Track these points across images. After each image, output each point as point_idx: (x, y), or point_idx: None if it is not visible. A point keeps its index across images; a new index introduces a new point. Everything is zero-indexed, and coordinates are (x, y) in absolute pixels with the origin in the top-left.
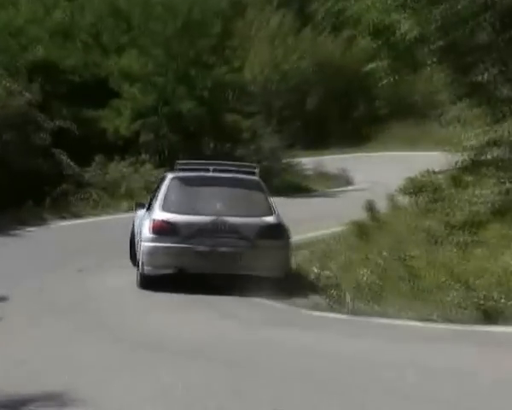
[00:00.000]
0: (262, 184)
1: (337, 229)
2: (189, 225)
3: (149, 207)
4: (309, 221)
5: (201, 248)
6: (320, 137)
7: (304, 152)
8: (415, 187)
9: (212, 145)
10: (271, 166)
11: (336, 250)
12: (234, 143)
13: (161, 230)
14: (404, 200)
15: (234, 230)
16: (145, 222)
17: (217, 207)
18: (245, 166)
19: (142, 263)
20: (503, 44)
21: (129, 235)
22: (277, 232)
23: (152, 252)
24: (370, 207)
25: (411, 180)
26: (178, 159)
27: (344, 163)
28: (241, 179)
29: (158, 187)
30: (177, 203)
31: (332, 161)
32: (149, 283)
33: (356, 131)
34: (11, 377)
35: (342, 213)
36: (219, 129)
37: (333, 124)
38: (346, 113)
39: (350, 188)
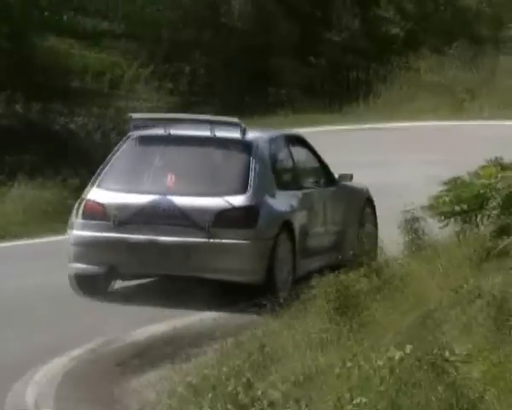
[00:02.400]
0: (254, 144)
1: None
2: (123, 207)
3: None
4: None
5: (136, 238)
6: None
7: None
8: (462, 199)
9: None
10: None
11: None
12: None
13: (92, 213)
14: (435, 226)
15: (183, 214)
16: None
17: (166, 183)
18: (229, 123)
19: (69, 259)
20: None
21: None
22: (247, 218)
23: (79, 243)
24: (363, 250)
25: (454, 185)
26: None
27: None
28: (220, 140)
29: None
30: (122, 177)
31: None
32: (84, 286)
33: (312, 87)
34: None
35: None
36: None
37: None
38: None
39: None
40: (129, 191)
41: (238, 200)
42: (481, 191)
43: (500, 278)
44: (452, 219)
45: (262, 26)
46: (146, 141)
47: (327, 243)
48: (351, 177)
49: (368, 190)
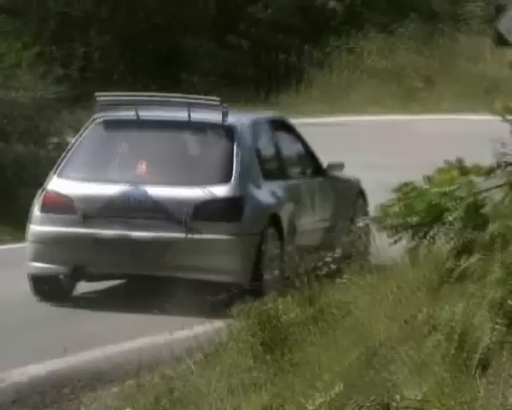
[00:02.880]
0: (236, 129)
1: (214, 325)
2: (89, 198)
3: None
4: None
5: (104, 233)
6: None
7: None
8: (415, 209)
9: None
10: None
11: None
12: None
13: (53, 206)
14: (383, 242)
15: (158, 206)
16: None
17: (137, 171)
18: (207, 101)
19: (28, 257)
20: None
21: None
22: (230, 210)
23: (40, 240)
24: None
25: (405, 192)
26: None
27: None
28: (198, 123)
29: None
30: (87, 165)
31: None
32: (45, 289)
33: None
34: None
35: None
36: None
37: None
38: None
39: None
40: (95, 181)
41: (220, 190)
42: (437, 201)
43: (461, 307)
44: (404, 234)
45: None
46: (114, 125)
47: (316, 239)
48: (341, 166)
49: (359, 182)
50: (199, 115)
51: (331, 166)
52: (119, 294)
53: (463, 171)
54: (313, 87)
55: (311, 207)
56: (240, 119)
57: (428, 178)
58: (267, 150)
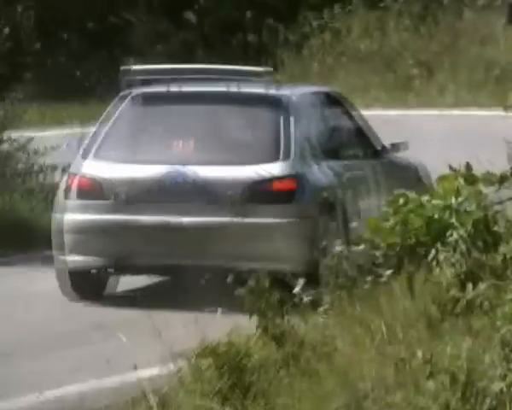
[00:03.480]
0: (286, 102)
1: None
2: (129, 182)
3: None
4: None
5: (147, 220)
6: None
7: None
8: (411, 227)
9: None
10: None
11: None
12: None
13: (88, 192)
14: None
15: (206, 188)
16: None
17: (181, 150)
18: (251, 73)
19: (63, 250)
20: None
21: None
22: (286, 192)
23: (75, 230)
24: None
25: (399, 205)
26: None
27: None
28: (243, 96)
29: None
30: (122, 145)
31: None
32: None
33: None
34: None
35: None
36: None
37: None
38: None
39: None
40: (136, 162)
41: (274, 169)
42: (439, 215)
43: (467, 345)
44: (399, 256)
45: None
46: (149, 100)
47: None
48: (406, 146)
49: (417, 169)
50: (245, 87)
51: (394, 147)
52: None
53: (470, 179)
54: (289, 74)
55: (367, 191)
56: (293, 91)
57: (428, 189)
58: (322, 126)
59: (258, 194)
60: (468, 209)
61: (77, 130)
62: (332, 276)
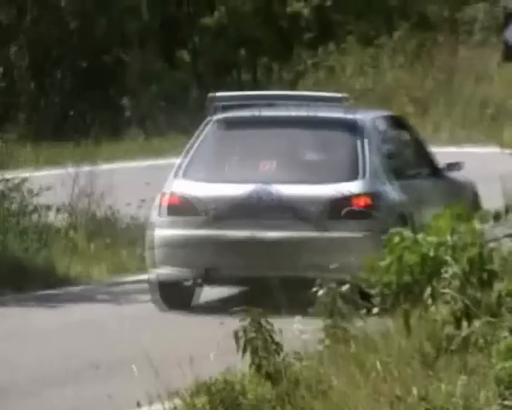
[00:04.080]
0: (360, 124)
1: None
2: (217, 200)
3: None
4: None
5: (236, 235)
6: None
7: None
8: (405, 265)
9: None
10: None
11: None
12: None
13: (180, 208)
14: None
15: (290, 205)
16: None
17: (265, 170)
18: (325, 99)
19: (155, 263)
20: None
21: None
22: (364, 208)
23: (166, 244)
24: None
25: (393, 244)
26: None
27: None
28: (320, 120)
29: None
30: (208, 165)
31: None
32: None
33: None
34: None
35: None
36: None
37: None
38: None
39: None
40: (221, 181)
41: (353, 187)
42: (434, 253)
43: (462, 383)
44: (394, 294)
45: (101, 6)
46: (233, 124)
47: None
48: (460, 166)
49: (474, 186)
50: (322, 112)
51: (449, 166)
52: None
53: (465, 216)
54: None
55: (432, 207)
56: (365, 115)
57: (422, 227)
58: (391, 147)
59: (338, 210)
60: (463, 246)
61: (71, 170)
62: (326, 313)
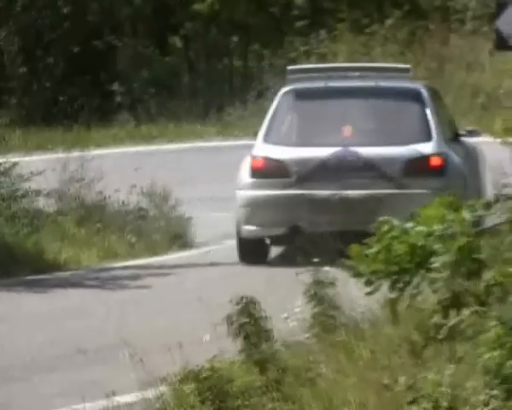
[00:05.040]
0: (422, 93)
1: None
2: (302, 161)
3: None
4: None
5: (322, 194)
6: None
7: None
8: (393, 254)
9: None
10: None
11: None
12: None
13: (264, 171)
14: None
15: (369, 165)
16: (243, 162)
17: (344, 134)
18: (391, 69)
19: (239, 222)
20: None
21: None
22: (437, 167)
23: (252, 204)
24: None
25: (381, 233)
26: None
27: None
28: (385, 89)
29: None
30: (286, 130)
31: (116, 159)
32: (251, 251)
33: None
34: None
35: None
36: None
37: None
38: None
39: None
40: (304, 145)
41: (426, 148)
42: (422, 242)
43: (449, 372)
44: (382, 283)
45: None
46: (310, 94)
47: None
48: (479, 132)
49: (481, 150)
50: (386, 82)
51: (469, 132)
52: None
53: (454, 206)
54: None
55: (472, 168)
56: (418, 85)
57: (412, 215)
58: (441, 115)
59: (414, 169)
60: (452, 236)
61: (61, 155)
62: (314, 303)
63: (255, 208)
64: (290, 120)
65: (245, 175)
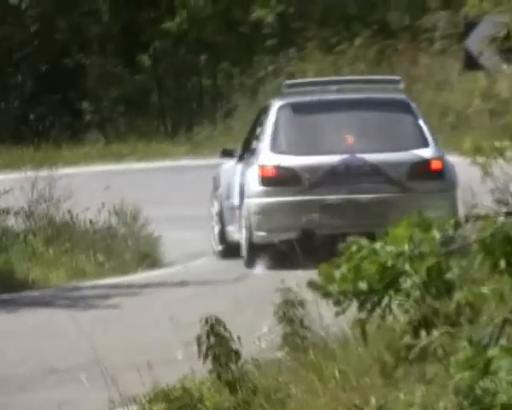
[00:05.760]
0: (410, 103)
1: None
2: (312, 168)
3: (246, 154)
4: None
5: (334, 198)
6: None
7: None
8: (363, 274)
9: None
10: None
11: None
12: None
13: (275, 179)
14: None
15: (376, 170)
16: (248, 172)
17: (348, 142)
18: (383, 81)
19: (250, 227)
20: None
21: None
22: (437, 170)
23: (264, 211)
24: None
25: (350, 252)
26: None
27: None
28: (379, 100)
29: (257, 123)
30: (292, 140)
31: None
32: (261, 256)
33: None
34: None
35: None
36: None
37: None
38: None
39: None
40: (312, 153)
41: (426, 153)
42: (392, 262)
43: (420, 393)
44: (351, 303)
45: (62, 9)
46: (305, 107)
47: None
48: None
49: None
50: (377, 94)
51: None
52: None
53: (424, 225)
54: (243, 119)
55: None
56: (404, 96)
57: (381, 235)
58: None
59: (417, 172)
60: (422, 256)
61: (30, 173)
62: (284, 323)
63: (268, 215)
64: (293, 131)
65: (254, 184)
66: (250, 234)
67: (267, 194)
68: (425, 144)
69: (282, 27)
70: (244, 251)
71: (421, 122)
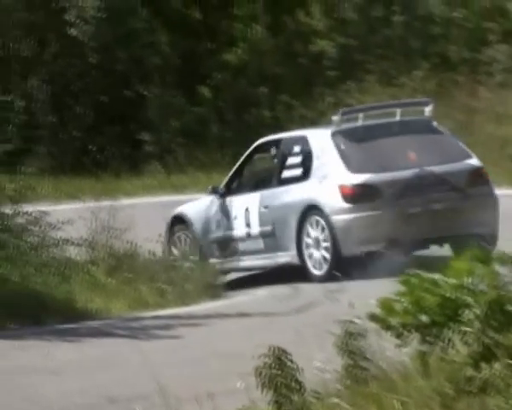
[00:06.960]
0: (436, 124)
1: None
2: (391, 183)
3: (229, 190)
4: None
5: (413, 209)
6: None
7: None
8: (423, 306)
9: None
10: None
11: None
12: None
13: (358, 195)
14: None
15: (443, 180)
16: (323, 190)
17: (411, 158)
18: (415, 104)
19: (338, 242)
20: None
21: None
22: (486, 176)
23: (352, 225)
24: None
25: (411, 285)
26: None
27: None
28: (419, 121)
29: (277, 155)
30: (364, 160)
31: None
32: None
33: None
34: None
35: None
36: None
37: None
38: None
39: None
40: (386, 170)
41: (475, 162)
42: (453, 295)
43: None
44: (412, 336)
45: (122, 41)
46: (357, 132)
47: None
48: None
49: None
50: (408, 116)
51: None
52: None
53: (484, 259)
54: None
55: None
56: (430, 118)
57: (442, 268)
58: None
59: (474, 179)
60: (483, 289)
61: (90, 204)
62: (344, 356)
63: (355, 229)
64: (360, 152)
65: (337, 202)
66: (337, 248)
67: (352, 210)
68: (469, 156)
69: (343, 59)
70: (328, 265)
71: (454, 138)
